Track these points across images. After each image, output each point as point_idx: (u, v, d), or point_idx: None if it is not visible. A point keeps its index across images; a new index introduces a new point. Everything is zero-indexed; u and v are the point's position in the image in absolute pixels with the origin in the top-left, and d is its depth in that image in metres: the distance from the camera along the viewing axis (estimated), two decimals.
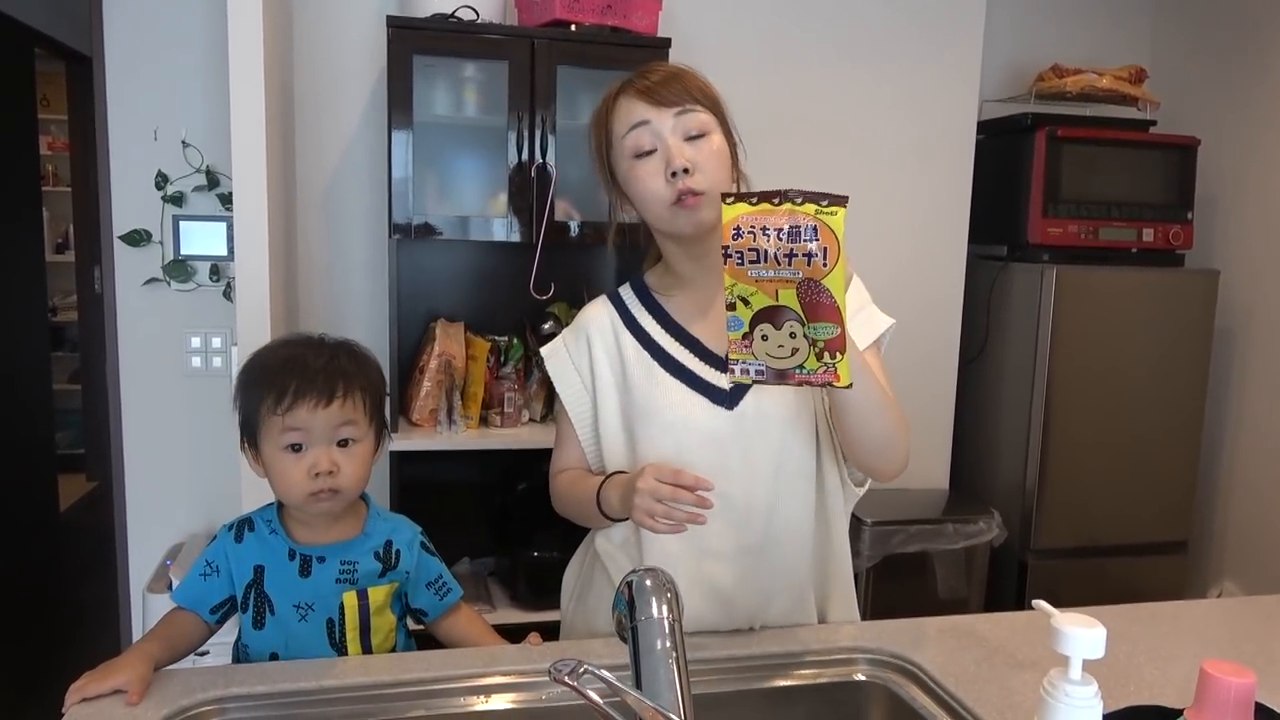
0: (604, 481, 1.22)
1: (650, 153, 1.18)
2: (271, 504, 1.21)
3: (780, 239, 0.92)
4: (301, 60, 2.45)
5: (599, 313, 1.31)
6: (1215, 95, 3.00)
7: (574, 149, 2.27)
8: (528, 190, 2.27)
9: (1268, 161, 2.84)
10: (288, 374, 1.12)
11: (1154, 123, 2.89)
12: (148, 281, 2.41)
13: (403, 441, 2.26)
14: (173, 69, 2.36)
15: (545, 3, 2.28)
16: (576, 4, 2.26)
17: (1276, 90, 2.81)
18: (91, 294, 4.42)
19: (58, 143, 5.20)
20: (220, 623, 1.20)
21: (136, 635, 2.39)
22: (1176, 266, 2.85)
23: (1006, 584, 2.80)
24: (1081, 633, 0.85)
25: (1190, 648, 1.24)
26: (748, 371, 0.98)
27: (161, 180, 2.38)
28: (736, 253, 0.94)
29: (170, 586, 2.17)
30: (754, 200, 0.94)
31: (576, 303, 2.40)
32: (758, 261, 0.94)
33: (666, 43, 2.31)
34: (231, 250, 2.36)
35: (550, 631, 1.35)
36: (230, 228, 2.33)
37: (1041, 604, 0.96)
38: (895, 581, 2.61)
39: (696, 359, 1.24)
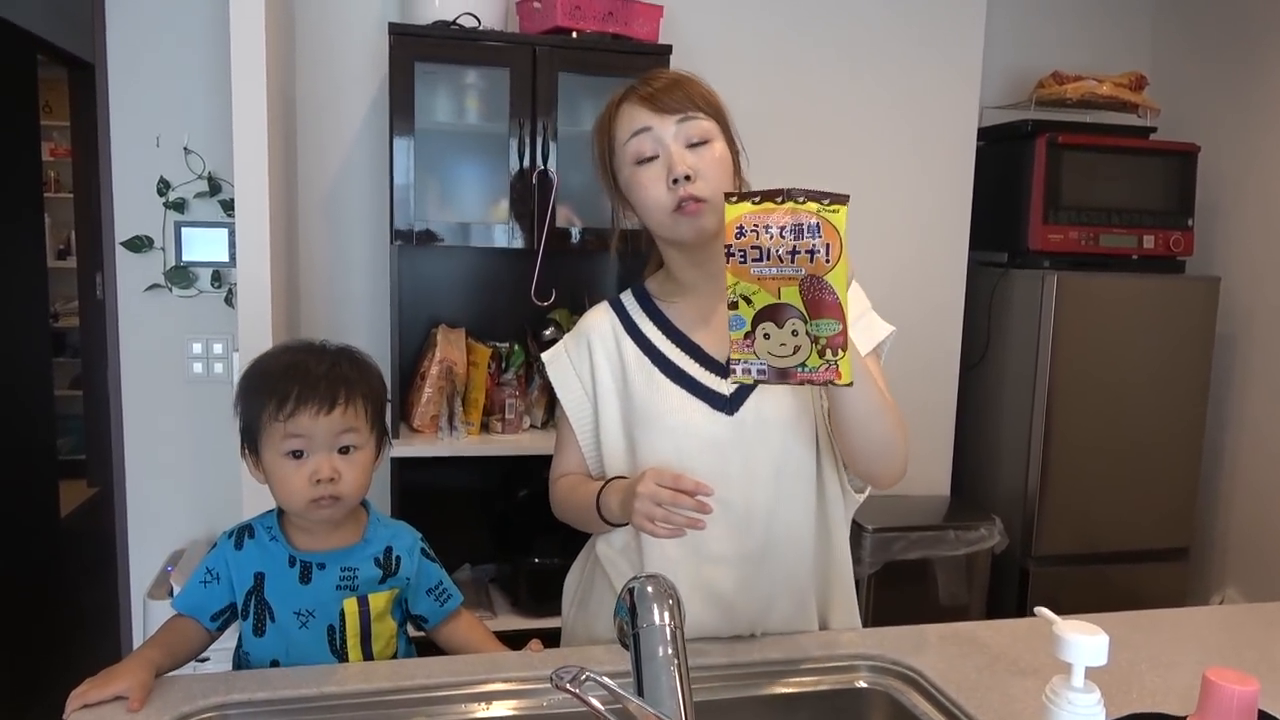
0: (604, 486, 1.22)
1: (652, 159, 1.19)
2: (272, 510, 1.21)
3: (783, 236, 0.93)
4: (303, 67, 2.46)
5: (600, 319, 1.31)
6: (1215, 101, 3.00)
7: (575, 156, 2.27)
8: (529, 197, 2.28)
9: (1268, 167, 2.84)
10: (290, 380, 1.12)
11: (1154, 129, 2.90)
12: (149, 287, 2.41)
13: (404, 448, 2.26)
14: (175, 75, 2.37)
15: (547, 10, 2.28)
16: (578, 11, 2.27)
17: (1276, 96, 2.81)
18: (93, 300, 4.42)
19: (60, 149, 5.21)
20: (221, 630, 1.20)
21: (137, 641, 2.39)
22: (1177, 273, 2.85)
23: (1008, 591, 2.80)
24: (1084, 640, 0.85)
25: (1192, 655, 1.24)
26: (749, 371, 0.98)
27: (163, 186, 2.38)
28: (739, 251, 0.95)
29: (171, 592, 2.17)
30: (757, 199, 0.94)
31: (578, 309, 2.40)
32: (760, 260, 0.94)
33: (667, 50, 2.32)
34: (233, 256, 2.36)
35: (551, 638, 1.35)
36: (232, 234, 2.33)
37: (1044, 611, 0.96)
38: (896, 588, 2.60)
39: (697, 365, 1.24)
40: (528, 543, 2.34)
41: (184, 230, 2.40)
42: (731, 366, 0.99)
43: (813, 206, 0.92)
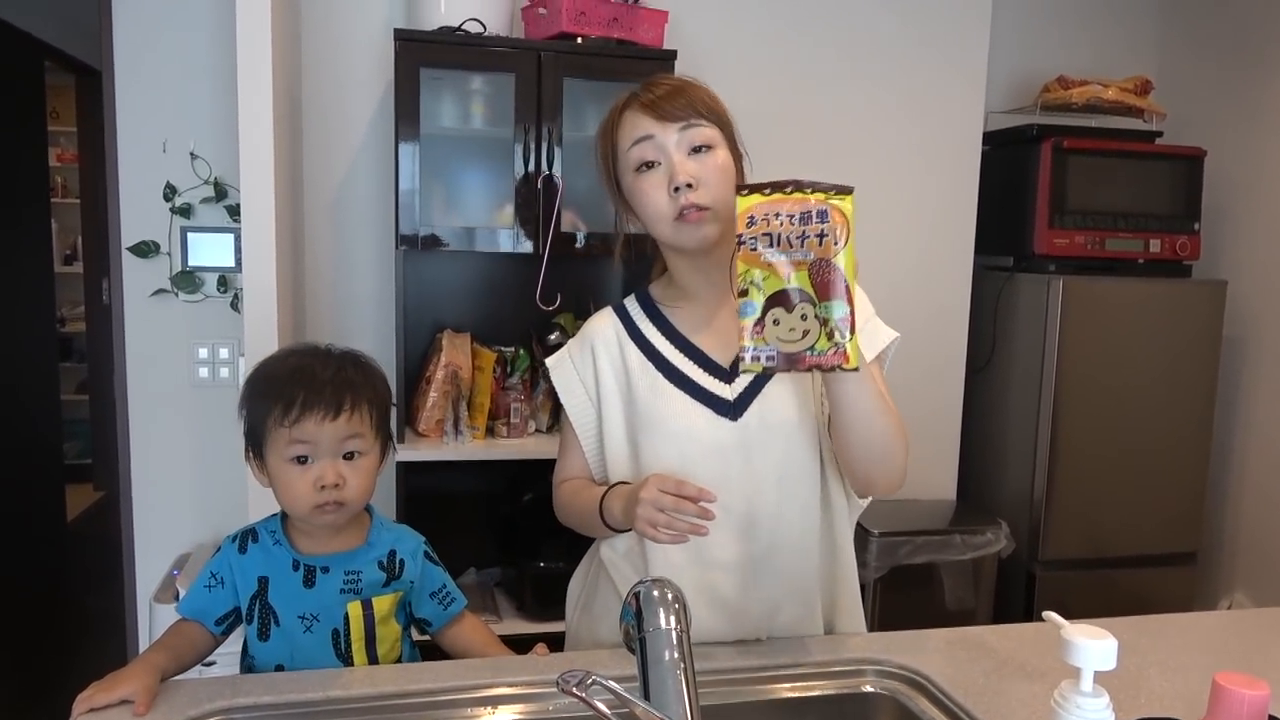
0: (607, 492, 1.22)
1: (655, 167, 1.19)
2: (275, 514, 1.22)
3: (793, 223, 0.96)
4: (309, 72, 2.47)
5: (604, 324, 1.32)
6: (1221, 105, 3.00)
7: (580, 160, 2.27)
8: (534, 201, 2.28)
9: (1275, 171, 2.83)
10: (295, 385, 1.12)
11: (1160, 134, 2.89)
12: (155, 292, 2.42)
13: (409, 452, 2.26)
14: (181, 81, 2.38)
15: (552, 15, 2.29)
16: (583, 16, 2.27)
17: None
18: (100, 305, 4.44)
19: (67, 155, 5.23)
20: (226, 634, 1.20)
21: (143, 645, 2.39)
22: (1184, 277, 2.84)
23: (1015, 595, 2.79)
24: (1093, 644, 0.84)
25: (1201, 660, 1.23)
26: (758, 358, 1.00)
27: (170, 192, 2.39)
28: (750, 239, 0.98)
29: (177, 596, 2.17)
30: (767, 190, 0.98)
31: (583, 314, 2.40)
32: (771, 245, 0.97)
33: (672, 55, 2.32)
34: (239, 261, 2.36)
35: (557, 642, 1.35)
36: (238, 239, 2.34)
37: (1052, 615, 0.96)
38: (903, 593, 2.59)
39: (701, 370, 1.24)
40: (533, 547, 2.34)
41: (190, 235, 2.41)
42: (741, 354, 1.01)
43: (820, 195, 0.96)
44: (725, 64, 2.66)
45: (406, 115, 2.21)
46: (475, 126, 2.42)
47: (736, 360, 1.22)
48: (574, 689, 0.77)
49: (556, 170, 2.27)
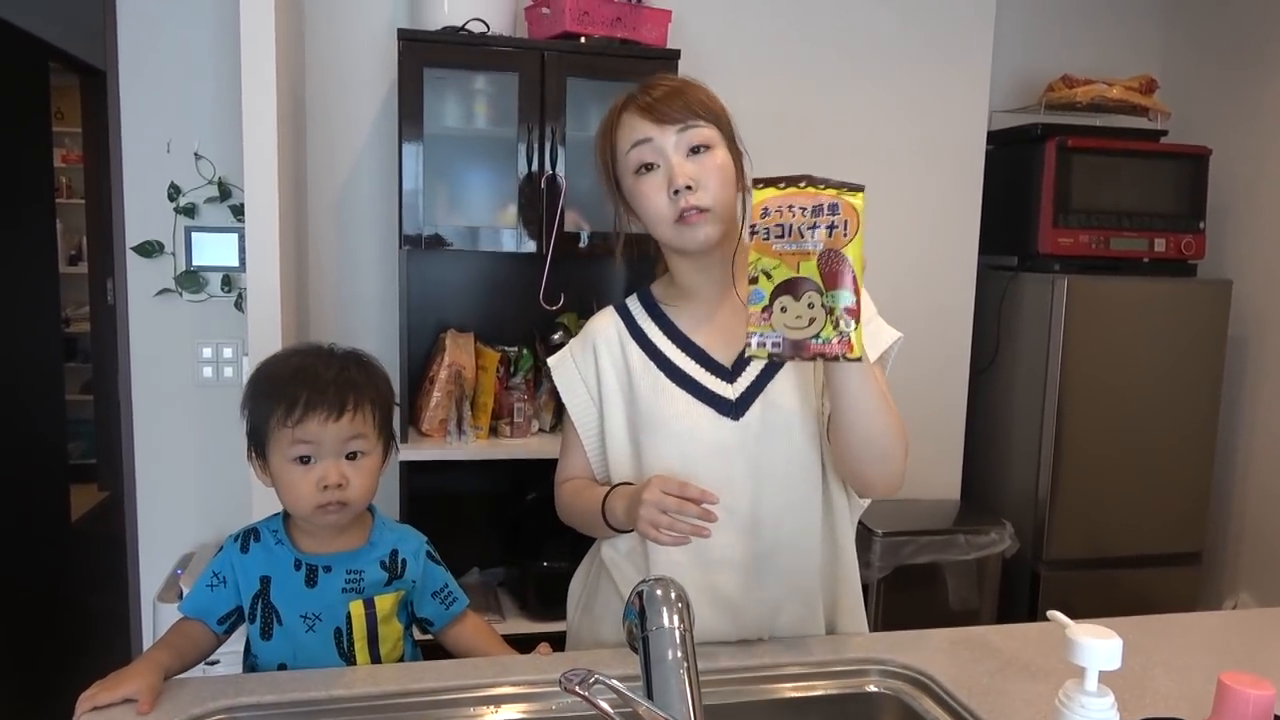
0: (609, 492, 1.22)
1: (654, 169, 1.19)
2: (278, 514, 1.22)
3: (805, 215, 0.99)
4: (313, 72, 2.47)
5: (605, 323, 1.31)
6: (1226, 104, 2.99)
7: (583, 160, 2.27)
8: (537, 201, 2.28)
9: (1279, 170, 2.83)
10: (298, 385, 1.12)
11: (1165, 133, 2.89)
12: (160, 292, 2.42)
13: (413, 452, 2.26)
14: (185, 82, 2.38)
15: (555, 15, 2.29)
16: (586, 16, 2.27)
17: None
18: (104, 305, 4.45)
19: (71, 155, 5.24)
20: (228, 633, 1.20)
21: (147, 644, 2.39)
22: (1189, 276, 2.84)
23: (1019, 595, 2.78)
24: (1098, 643, 0.84)
25: (1206, 660, 1.23)
26: (764, 344, 1.01)
27: (174, 192, 2.39)
28: (763, 229, 1.01)
29: (181, 596, 2.17)
30: (782, 184, 1.00)
31: (586, 313, 2.39)
32: (783, 236, 1.00)
33: (676, 54, 2.32)
34: (243, 261, 2.36)
35: (560, 642, 1.35)
36: (242, 239, 2.34)
37: (1057, 615, 0.95)
38: (906, 593, 2.59)
39: (702, 369, 1.24)
40: (536, 546, 2.34)
41: (194, 235, 2.41)
42: (748, 339, 1.02)
43: (833, 190, 0.99)
44: (728, 64, 2.66)
45: (410, 115, 2.21)
46: (479, 126, 2.42)
47: (738, 359, 1.23)
48: (577, 688, 0.77)
49: (560, 170, 2.27)
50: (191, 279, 2.42)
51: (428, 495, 2.28)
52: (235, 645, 1.23)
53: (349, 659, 1.19)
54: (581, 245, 2.34)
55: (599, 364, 1.29)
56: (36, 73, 3.74)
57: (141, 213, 2.40)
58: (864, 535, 2.56)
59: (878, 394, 1.11)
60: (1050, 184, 2.69)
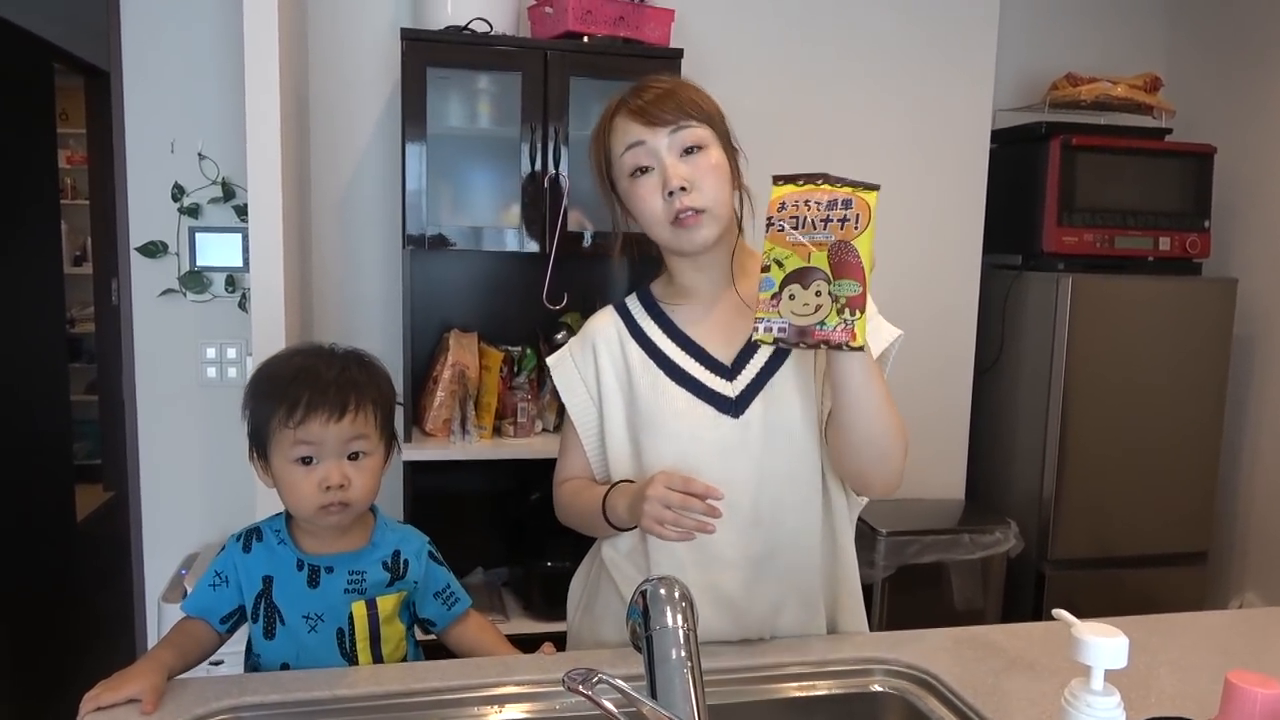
0: (609, 490, 1.22)
1: (648, 171, 1.19)
2: (280, 514, 1.21)
3: (820, 209, 1.02)
4: (316, 72, 2.47)
5: (605, 322, 1.31)
6: (1231, 102, 2.98)
7: (586, 160, 2.26)
8: (541, 201, 2.28)
9: None
10: (299, 386, 1.12)
11: (1169, 131, 2.88)
12: (164, 293, 2.42)
13: (416, 451, 2.26)
14: (189, 83, 2.38)
15: (558, 14, 2.29)
16: (589, 15, 2.27)
17: None
18: (109, 305, 4.45)
19: (76, 156, 5.26)
20: (230, 632, 1.20)
21: (151, 644, 2.39)
22: (1194, 275, 2.83)
23: (1024, 595, 2.77)
24: (1103, 642, 0.84)
25: (1212, 659, 1.22)
26: (770, 329, 1.04)
27: (178, 192, 2.40)
28: (779, 222, 1.04)
29: (184, 596, 2.17)
30: (800, 181, 1.04)
31: (589, 313, 2.36)
32: (797, 228, 1.03)
33: (679, 54, 2.32)
34: (247, 261, 2.37)
35: (564, 641, 1.35)
36: (245, 239, 2.34)
37: (1062, 613, 0.95)
38: (911, 592, 2.59)
39: (702, 368, 1.24)
40: (540, 546, 2.34)
41: (198, 235, 2.42)
42: (755, 324, 1.05)
43: (848, 188, 1.02)
44: (732, 63, 2.65)
45: (413, 115, 2.21)
46: (482, 126, 2.42)
47: (739, 357, 1.23)
48: (580, 687, 0.76)
49: (563, 169, 2.27)
50: (195, 279, 2.43)
51: (431, 495, 2.28)
52: (238, 645, 1.23)
53: (351, 659, 1.19)
54: (585, 245, 2.34)
55: (598, 363, 1.29)
56: (41, 74, 3.75)
57: (145, 213, 2.40)
58: (868, 535, 2.55)
59: (879, 392, 1.11)
60: (1054, 182, 2.69)
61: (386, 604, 1.20)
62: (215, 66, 2.38)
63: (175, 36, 2.37)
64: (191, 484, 2.48)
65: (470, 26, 2.25)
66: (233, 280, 2.45)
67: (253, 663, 1.21)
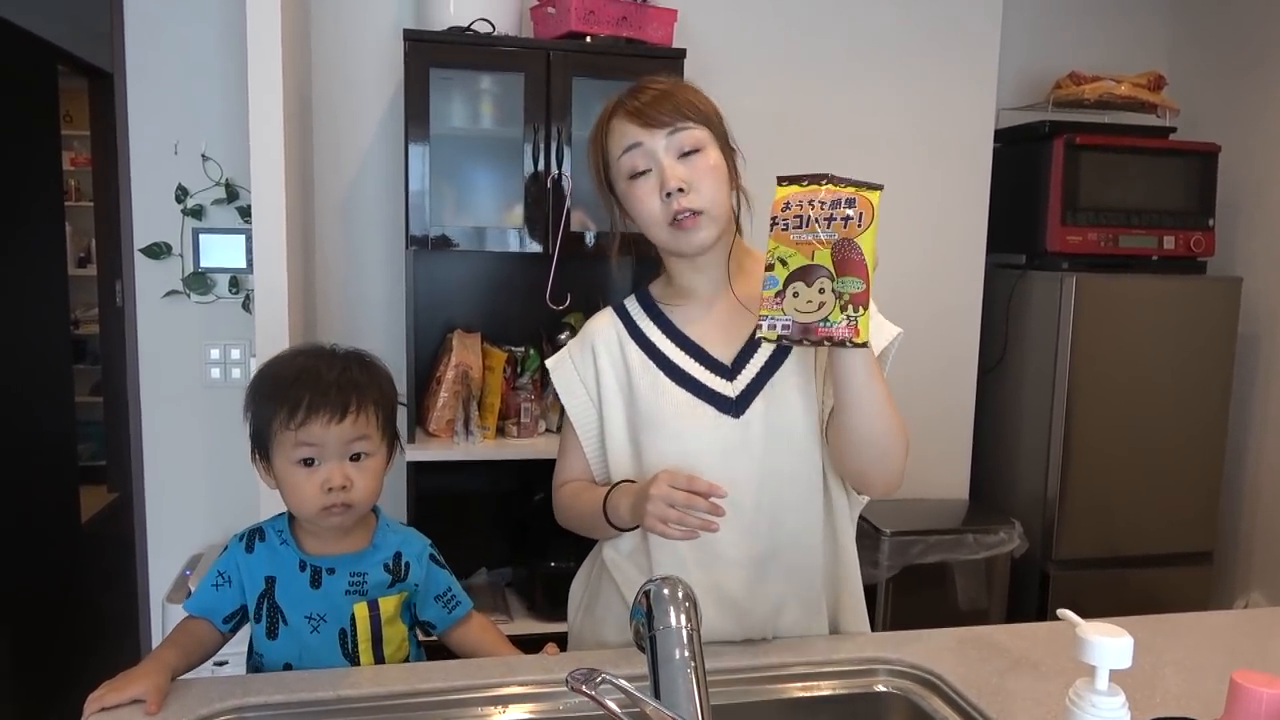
0: (610, 490, 1.22)
1: (646, 173, 1.19)
2: (282, 514, 1.21)
3: (824, 208, 1.03)
4: (319, 73, 2.47)
5: (604, 324, 1.31)
6: (1235, 101, 2.97)
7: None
8: (543, 201, 2.28)
9: None
10: (300, 388, 1.12)
11: (1174, 129, 2.87)
12: (168, 294, 2.43)
13: (420, 452, 2.27)
14: (193, 84, 2.39)
15: (561, 15, 2.29)
16: (592, 16, 2.27)
17: None
18: (113, 307, 4.46)
19: (80, 158, 5.27)
20: (233, 632, 1.21)
21: (156, 644, 2.40)
22: (1198, 274, 2.82)
23: (1028, 595, 2.77)
24: (1108, 642, 0.84)
25: (1217, 659, 1.22)
26: (774, 326, 1.04)
27: (181, 194, 2.40)
28: (783, 221, 1.05)
29: (189, 596, 2.18)
30: (805, 182, 1.05)
31: (592, 313, 2.37)
32: (801, 227, 1.04)
33: (681, 54, 2.32)
34: (250, 263, 2.37)
35: (567, 642, 1.34)
36: (249, 240, 2.35)
37: (1067, 613, 0.95)
38: (915, 593, 2.58)
39: (702, 368, 1.24)
40: (543, 546, 2.34)
41: (202, 237, 2.42)
42: (759, 322, 1.05)
43: (852, 188, 1.03)
44: (734, 62, 2.65)
45: (416, 115, 2.21)
46: (484, 126, 2.42)
47: (738, 357, 1.23)
48: (583, 687, 0.76)
49: (566, 169, 2.27)
50: (199, 280, 2.43)
51: (435, 495, 2.28)
52: (242, 645, 1.23)
53: (353, 660, 1.19)
54: (588, 245, 2.34)
55: (598, 364, 1.29)
56: (44, 76, 3.76)
57: (149, 215, 2.40)
58: (872, 535, 2.55)
59: (881, 390, 1.11)
60: (1058, 182, 2.68)
61: (388, 605, 1.20)
62: (218, 68, 2.38)
63: (178, 38, 2.37)
64: (195, 485, 2.48)
65: (473, 27, 2.26)
66: (236, 281, 2.45)
67: (255, 663, 1.21)
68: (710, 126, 1.20)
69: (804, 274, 1.03)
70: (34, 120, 3.62)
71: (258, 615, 1.18)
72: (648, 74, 1.27)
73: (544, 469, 2.34)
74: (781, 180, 1.06)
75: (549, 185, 2.27)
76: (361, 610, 1.18)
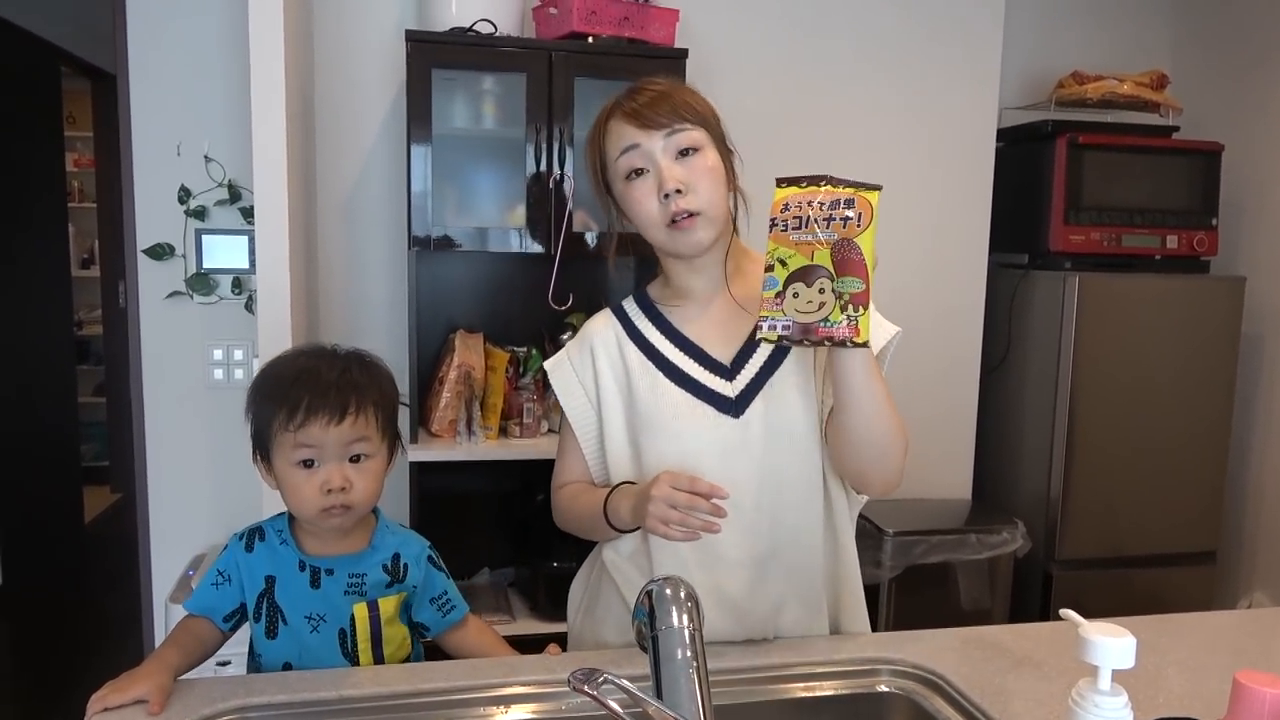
0: (611, 492, 1.22)
1: (644, 174, 1.19)
2: (282, 514, 1.22)
3: (823, 209, 1.03)
4: (322, 74, 2.48)
5: (602, 325, 1.31)
6: (1238, 100, 2.97)
7: None
8: (546, 202, 2.28)
9: None
10: (300, 389, 1.12)
11: (1177, 128, 2.86)
12: (171, 295, 2.43)
13: (422, 452, 2.27)
14: (195, 85, 2.39)
15: (563, 15, 2.29)
16: (594, 16, 2.27)
17: None
18: (116, 308, 4.47)
19: (83, 159, 5.28)
20: (233, 630, 1.21)
21: (159, 644, 2.40)
22: (1202, 273, 2.82)
23: (1031, 595, 2.77)
24: (1111, 642, 0.84)
25: (1221, 659, 1.22)
26: (775, 327, 1.04)
27: (184, 195, 2.40)
28: (782, 222, 1.05)
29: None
30: (804, 183, 1.05)
31: (594, 313, 2.39)
32: (800, 228, 1.04)
33: (684, 54, 2.32)
34: (253, 263, 2.37)
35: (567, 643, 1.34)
36: (252, 241, 2.35)
37: (1070, 613, 0.95)
38: (918, 593, 2.58)
39: (701, 368, 1.24)
40: (546, 547, 2.34)
41: (204, 238, 2.42)
42: (759, 323, 1.05)
43: (850, 189, 1.03)
44: (736, 62, 2.65)
45: (418, 116, 2.21)
46: (487, 127, 2.42)
47: (737, 357, 1.23)
48: (585, 687, 0.76)
49: (568, 170, 2.27)
50: (202, 281, 2.43)
51: (437, 496, 2.28)
52: (244, 646, 1.23)
53: (353, 660, 1.19)
54: (590, 245, 2.34)
55: (596, 366, 1.29)
56: (47, 77, 3.77)
57: (152, 216, 2.41)
58: (875, 535, 2.55)
59: (880, 390, 1.11)
60: (1061, 181, 2.68)
61: (388, 605, 1.20)
62: (221, 69, 2.38)
63: (181, 39, 2.37)
64: (199, 485, 2.48)
65: (475, 28, 2.26)
66: (239, 282, 2.45)
67: (255, 662, 1.21)
68: (708, 128, 1.20)
69: (804, 274, 1.03)
70: (37, 121, 3.63)
71: (257, 615, 1.18)
72: (650, 74, 1.27)
73: (547, 469, 2.33)
74: (780, 182, 1.06)
75: (551, 185, 2.27)
76: (361, 611, 1.18)
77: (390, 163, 2.53)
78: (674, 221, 1.17)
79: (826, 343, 1.03)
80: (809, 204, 1.03)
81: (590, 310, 2.44)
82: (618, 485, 1.23)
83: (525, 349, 2.50)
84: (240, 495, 2.42)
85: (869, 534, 2.54)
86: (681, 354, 1.25)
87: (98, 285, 4.93)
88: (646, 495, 1.10)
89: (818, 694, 1.17)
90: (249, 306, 2.45)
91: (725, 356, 1.24)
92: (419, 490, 2.26)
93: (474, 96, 2.40)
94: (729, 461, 1.19)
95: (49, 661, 3.15)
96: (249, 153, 2.03)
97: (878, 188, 1.03)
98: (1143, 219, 2.73)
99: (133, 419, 2.48)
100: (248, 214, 2.40)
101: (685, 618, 0.85)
